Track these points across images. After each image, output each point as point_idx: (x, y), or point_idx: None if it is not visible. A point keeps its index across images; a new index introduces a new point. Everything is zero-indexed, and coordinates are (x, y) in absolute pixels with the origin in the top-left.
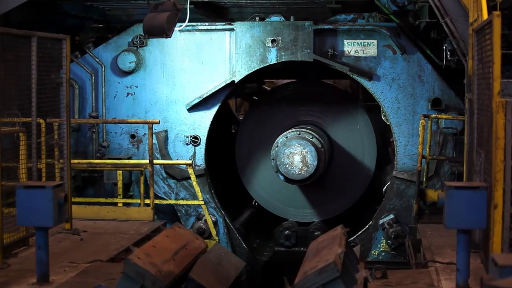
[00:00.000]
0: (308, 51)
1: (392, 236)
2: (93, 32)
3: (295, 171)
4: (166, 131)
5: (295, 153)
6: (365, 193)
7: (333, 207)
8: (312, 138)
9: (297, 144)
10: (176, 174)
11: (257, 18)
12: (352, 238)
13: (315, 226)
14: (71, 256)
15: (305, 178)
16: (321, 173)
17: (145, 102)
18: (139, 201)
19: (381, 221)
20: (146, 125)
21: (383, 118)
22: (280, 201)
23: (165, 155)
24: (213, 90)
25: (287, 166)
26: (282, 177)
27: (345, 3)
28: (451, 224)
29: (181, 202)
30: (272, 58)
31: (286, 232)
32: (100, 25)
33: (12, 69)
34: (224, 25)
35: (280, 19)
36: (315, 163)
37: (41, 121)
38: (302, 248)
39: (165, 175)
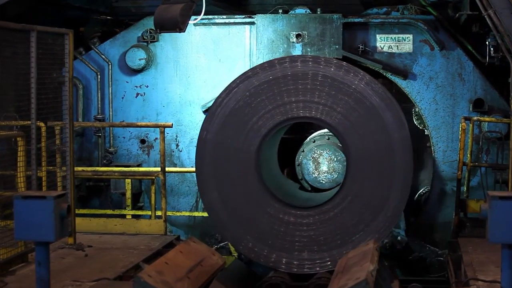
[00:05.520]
0: (337, 47)
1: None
2: (99, 25)
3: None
4: None
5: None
6: None
7: (348, 249)
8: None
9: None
10: None
11: (280, 11)
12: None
13: (317, 282)
14: (74, 273)
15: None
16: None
17: (157, 104)
18: (149, 213)
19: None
20: (158, 129)
21: (415, 122)
22: (262, 240)
23: None
24: None
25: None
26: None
27: None
28: (495, 238)
29: (195, 214)
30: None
31: None
32: (108, 17)
33: (9, 67)
34: (243, 18)
35: (305, 12)
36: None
37: (42, 124)
38: None
39: None
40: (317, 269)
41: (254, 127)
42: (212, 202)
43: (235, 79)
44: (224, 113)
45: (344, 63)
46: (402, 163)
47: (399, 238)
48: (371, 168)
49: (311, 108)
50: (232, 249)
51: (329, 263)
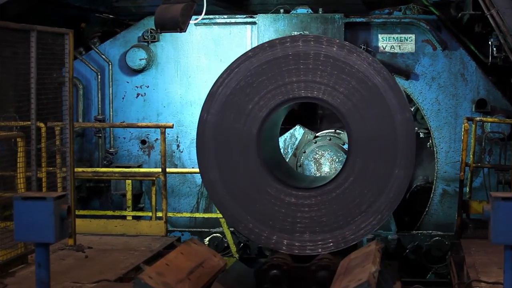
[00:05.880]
0: None
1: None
2: (100, 24)
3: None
4: None
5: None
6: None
7: (350, 230)
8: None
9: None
10: None
11: (281, 10)
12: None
13: (319, 263)
14: (74, 275)
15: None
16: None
17: (157, 104)
18: (150, 214)
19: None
20: (158, 129)
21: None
22: (262, 221)
23: None
24: None
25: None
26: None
27: None
28: (498, 239)
29: (196, 215)
30: None
31: (273, 272)
32: (110, 16)
33: (9, 67)
34: (245, 18)
35: (307, 11)
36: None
37: (41, 125)
38: None
39: None
40: (319, 250)
41: (256, 107)
42: (213, 182)
43: (236, 59)
44: (225, 93)
45: (347, 43)
46: (405, 144)
47: (389, 237)
48: (373, 149)
49: (313, 88)
50: (233, 250)
51: (331, 244)
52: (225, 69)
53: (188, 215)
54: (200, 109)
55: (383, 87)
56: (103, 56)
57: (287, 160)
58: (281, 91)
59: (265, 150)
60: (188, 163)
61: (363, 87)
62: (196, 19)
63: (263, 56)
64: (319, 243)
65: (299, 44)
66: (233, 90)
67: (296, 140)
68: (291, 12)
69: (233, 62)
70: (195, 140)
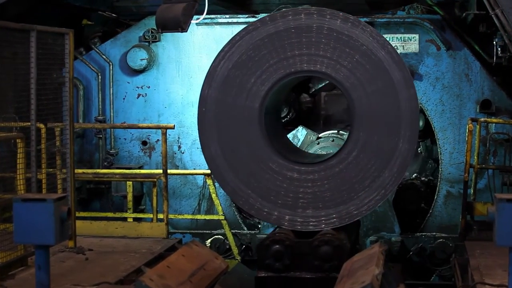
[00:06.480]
0: None
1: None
2: (101, 24)
3: None
4: None
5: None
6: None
7: (354, 205)
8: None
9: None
10: None
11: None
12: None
13: (322, 238)
14: (75, 277)
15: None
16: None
17: (158, 105)
18: (151, 215)
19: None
20: (160, 130)
21: None
22: (264, 196)
23: None
24: None
25: None
26: None
27: None
28: (503, 241)
29: (198, 217)
30: None
31: (276, 247)
32: (113, 15)
33: (9, 68)
34: (247, 17)
35: None
36: None
37: (41, 125)
38: (299, 273)
39: None
40: (323, 226)
41: (258, 81)
42: (214, 156)
43: (237, 33)
44: (227, 67)
45: (351, 16)
46: (409, 119)
47: (392, 239)
48: (377, 123)
49: (316, 62)
50: (235, 252)
51: (335, 219)
52: (227, 43)
53: (190, 217)
54: None
55: (387, 61)
56: (104, 56)
57: None
58: (283, 65)
59: (267, 125)
60: (190, 164)
61: (366, 61)
62: (198, 18)
63: (264, 30)
64: (322, 218)
65: (302, 17)
66: (235, 64)
67: (298, 141)
68: None
69: (234, 36)
70: (196, 141)
